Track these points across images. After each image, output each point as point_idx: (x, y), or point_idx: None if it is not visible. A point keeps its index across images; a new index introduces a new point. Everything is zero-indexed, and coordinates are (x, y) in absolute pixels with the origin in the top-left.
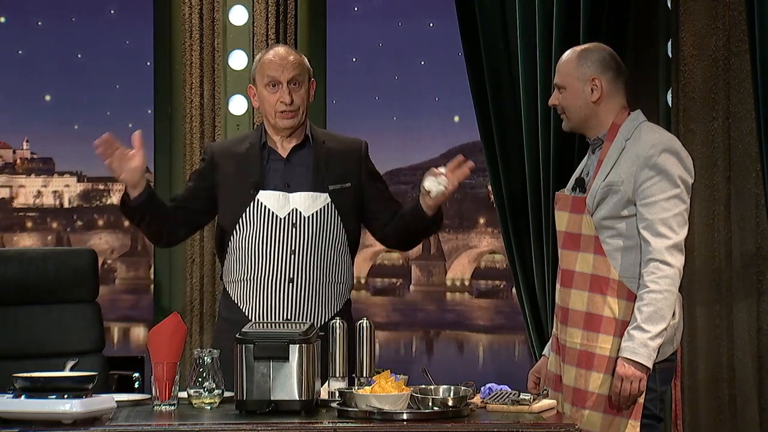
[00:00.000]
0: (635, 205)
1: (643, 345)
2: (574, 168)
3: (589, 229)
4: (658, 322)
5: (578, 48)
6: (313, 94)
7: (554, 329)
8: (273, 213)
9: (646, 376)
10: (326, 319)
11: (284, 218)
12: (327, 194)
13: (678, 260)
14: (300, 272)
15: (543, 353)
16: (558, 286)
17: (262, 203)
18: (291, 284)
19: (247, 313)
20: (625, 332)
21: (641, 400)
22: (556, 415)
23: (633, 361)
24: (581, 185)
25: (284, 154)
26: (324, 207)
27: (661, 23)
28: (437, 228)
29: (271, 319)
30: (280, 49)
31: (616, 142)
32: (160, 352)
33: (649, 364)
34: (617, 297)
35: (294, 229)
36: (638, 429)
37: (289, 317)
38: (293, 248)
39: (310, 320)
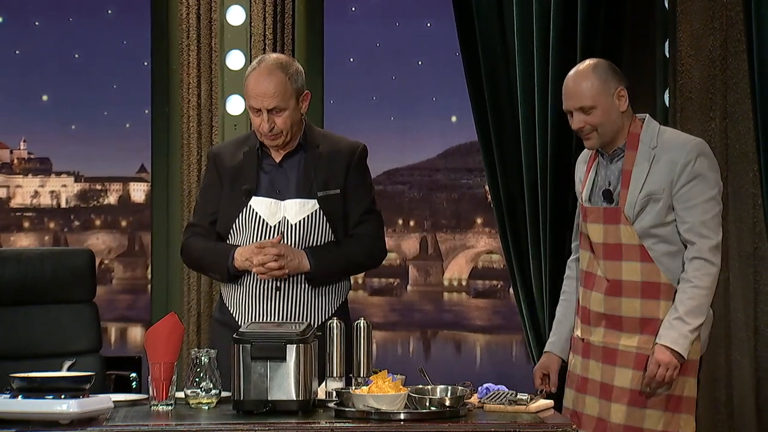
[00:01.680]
0: (674, 209)
1: (683, 336)
2: (571, 168)
3: (631, 238)
4: (698, 317)
5: (584, 67)
6: (306, 105)
7: (577, 332)
8: (264, 221)
9: (679, 366)
10: (317, 325)
11: (274, 226)
12: (315, 200)
13: (719, 260)
14: (286, 281)
15: (548, 350)
16: (597, 293)
17: (254, 210)
18: (278, 292)
19: (237, 318)
20: (665, 320)
21: (694, 394)
22: (554, 414)
23: (671, 349)
24: (608, 197)
25: (278, 160)
26: (312, 213)
27: (658, 23)
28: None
29: None
30: (262, 74)
31: (641, 151)
32: (158, 352)
33: (686, 355)
34: (670, 300)
35: (282, 238)
36: (693, 422)
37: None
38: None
39: None
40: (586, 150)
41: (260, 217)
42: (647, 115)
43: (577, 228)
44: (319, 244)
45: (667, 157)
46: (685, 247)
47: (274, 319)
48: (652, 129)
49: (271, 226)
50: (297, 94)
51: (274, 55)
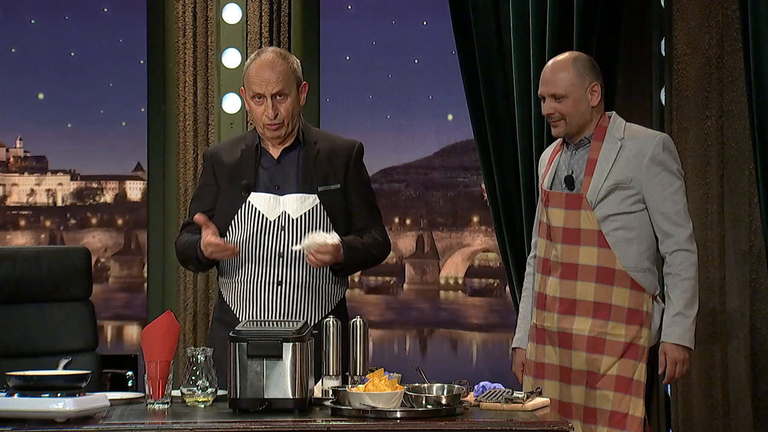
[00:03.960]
0: (644, 200)
1: (687, 330)
2: None
3: (590, 224)
4: (694, 306)
5: (564, 58)
6: (304, 97)
7: (533, 320)
8: (263, 215)
9: (690, 357)
10: (317, 321)
11: (274, 221)
12: (316, 195)
13: (695, 248)
14: (288, 275)
15: (517, 346)
16: (554, 278)
17: (253, 205)
18: (279, 287)
19: (237, 314)
20: (667, 318)
21: (644, 379)
22: (550, 412)
23: (680, 345)
24: (570, 183)
25: (276, 155)
26: (313, 209)
27: (654, 22)
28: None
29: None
30: (266, 61)
31: (608, 142)
32: (154, 351)
33: (692, 346)
34: (623, 286)
35: (282, 232)
36: (643, 406)
37: (277, 319)
38: (281, 251)
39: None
40: (549, 147)
41: (259, 212)
42: (614, 112)
43: (537, 224)
44: None
45: (634, 148)
46: (657, 239)
47: (272, 316)
48: (619, 123)
49: (270, 221)
50: (297, 83)
51: (272, 47)
